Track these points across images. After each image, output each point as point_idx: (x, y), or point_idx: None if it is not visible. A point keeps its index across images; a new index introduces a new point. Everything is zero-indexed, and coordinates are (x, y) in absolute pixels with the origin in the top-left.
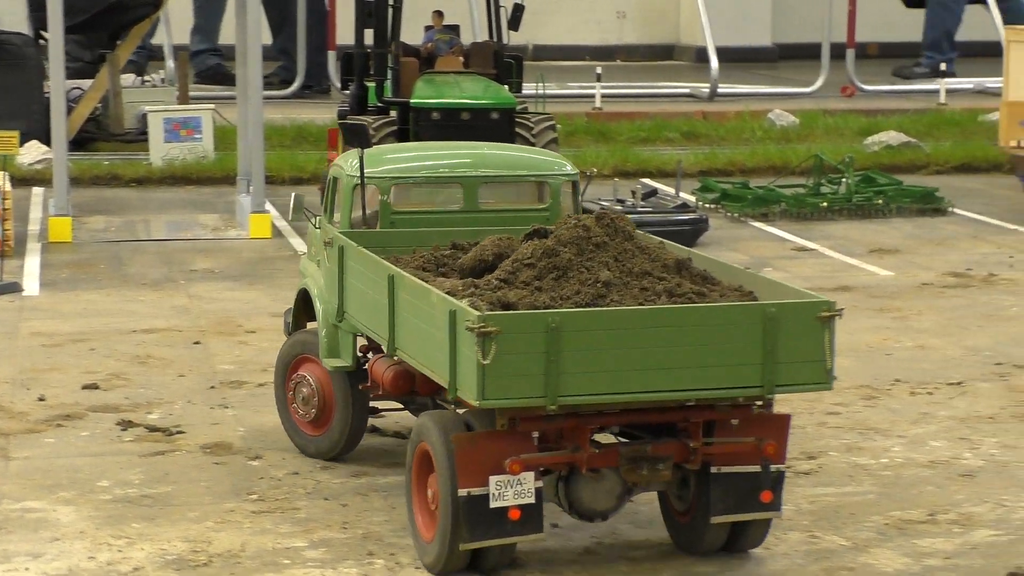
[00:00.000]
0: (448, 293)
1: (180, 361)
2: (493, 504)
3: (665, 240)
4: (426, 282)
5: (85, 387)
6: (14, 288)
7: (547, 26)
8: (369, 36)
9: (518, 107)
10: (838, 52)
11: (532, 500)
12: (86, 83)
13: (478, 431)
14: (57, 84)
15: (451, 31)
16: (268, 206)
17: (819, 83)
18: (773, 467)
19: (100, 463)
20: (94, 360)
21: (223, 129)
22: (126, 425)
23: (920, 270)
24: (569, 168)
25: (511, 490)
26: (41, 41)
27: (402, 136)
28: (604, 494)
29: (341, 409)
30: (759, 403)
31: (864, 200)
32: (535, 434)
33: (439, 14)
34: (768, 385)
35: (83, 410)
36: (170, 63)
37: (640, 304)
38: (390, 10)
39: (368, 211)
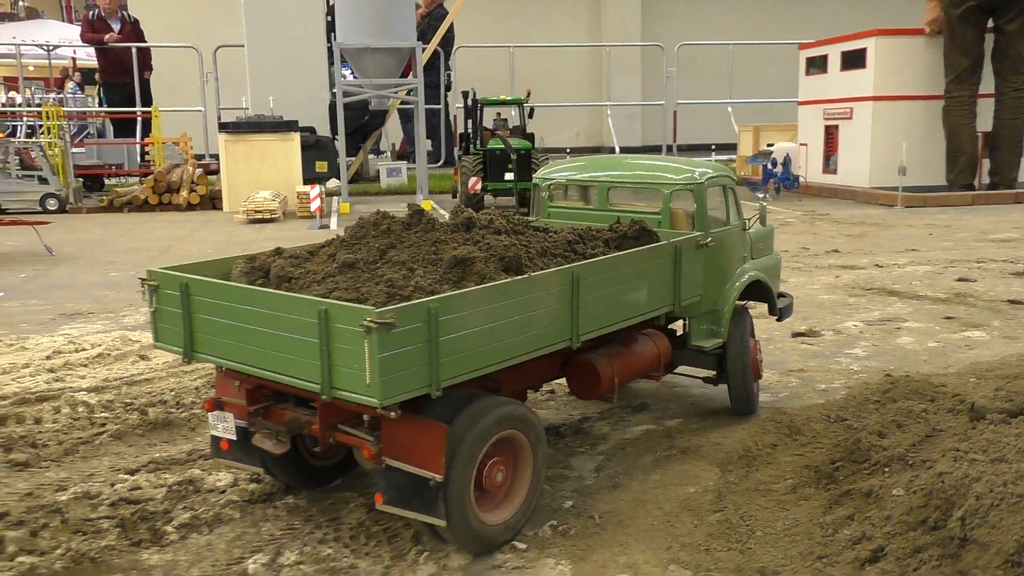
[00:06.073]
0: None
1: None
2: (211, 432)
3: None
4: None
5: None
6: (326, 226)
7: None
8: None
9: (532, 149)
10: None
11: (234, 437)
12: (351, 158)
13: (218, 372)
14: (342, 157)
15: (504, 122)
16: (428, 198)
17: None
18: (417, 472)
19: None
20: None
21: (410, 175)
22: None
23: None
24: (687, 177)
25: (221, 424)
26: (336, 139)
27: (483, 164)
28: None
29: None
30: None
31: None
32: (237, 383)
33: (499, 115)
34: (324, 387)
35: None
36: (386, 150)
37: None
38: (478, 114)
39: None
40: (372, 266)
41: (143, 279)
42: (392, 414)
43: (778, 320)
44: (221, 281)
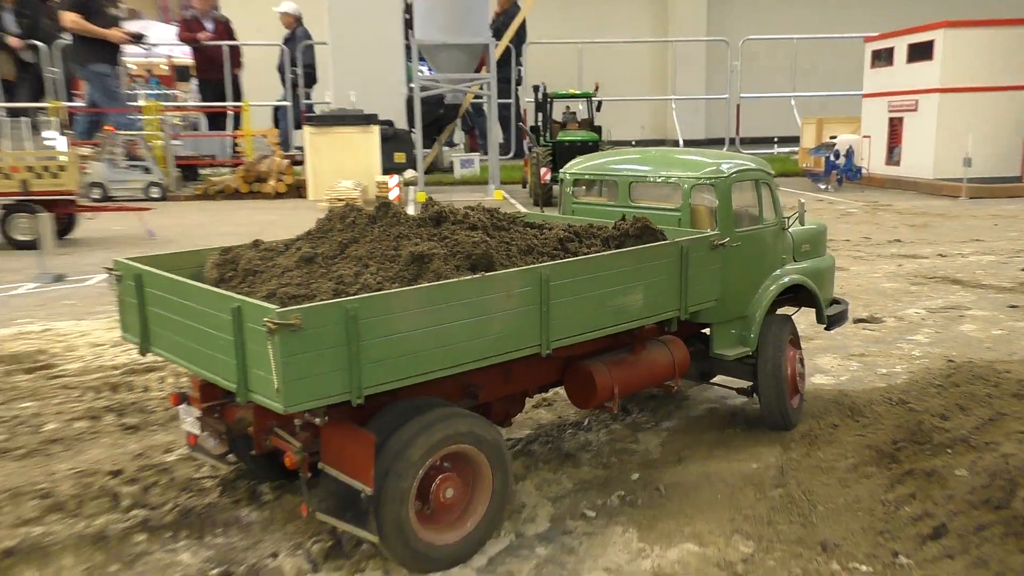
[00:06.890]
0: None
1: None
2: (182, 426)
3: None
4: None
5: None
6: None
7: None
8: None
9: (600, 142)
10: None
11: (199, 432)
12: (427, 150)
13: None
14: (419, 149)
15: (572, 115)
16: (500, 187)
17: None
18: (348, 481)
19: None
20: None
21: (483, 166)
22: None
23: None
24: (710, 171)
25: (188, 418)
26: (413, 131)
27: (553, 155)
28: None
29: None
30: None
31: None
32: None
33: (568, 108)
34: (240, 388)
35: None
36: (459, 143)
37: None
38: (548, 107)
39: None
40: (330, 261)
41: (109, 268)
42: (317, 420)
43: (827, 329)
44: (164, 273)
